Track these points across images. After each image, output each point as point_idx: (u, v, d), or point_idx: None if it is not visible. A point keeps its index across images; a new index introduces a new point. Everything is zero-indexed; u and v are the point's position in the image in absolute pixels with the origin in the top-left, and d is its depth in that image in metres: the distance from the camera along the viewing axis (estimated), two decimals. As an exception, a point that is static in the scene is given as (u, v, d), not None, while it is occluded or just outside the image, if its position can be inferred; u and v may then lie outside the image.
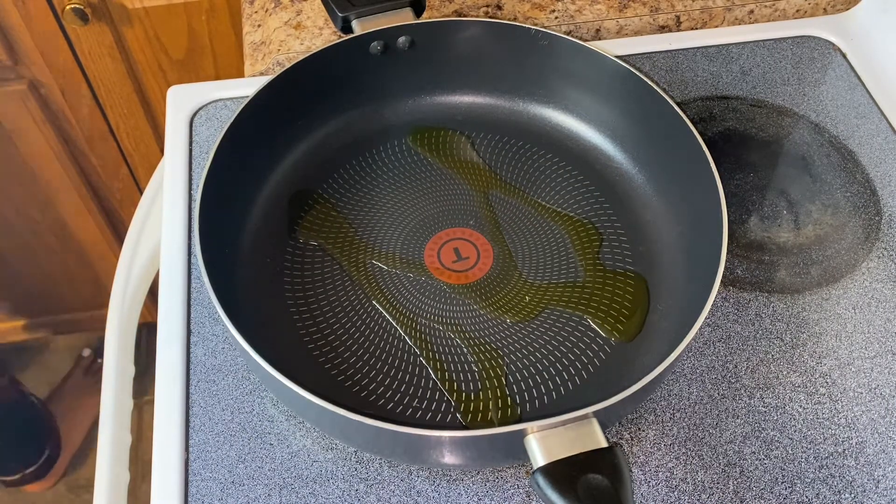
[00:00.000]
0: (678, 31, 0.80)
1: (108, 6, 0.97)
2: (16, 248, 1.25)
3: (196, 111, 0.71)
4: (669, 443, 0.54)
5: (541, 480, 0.43)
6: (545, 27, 0.65)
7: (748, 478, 0.53)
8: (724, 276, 0.60)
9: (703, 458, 0.53)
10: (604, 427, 0.45)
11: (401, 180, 0.66)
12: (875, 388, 0.57)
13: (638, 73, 0.62)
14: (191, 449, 0.53)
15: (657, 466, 0.53)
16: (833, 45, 0.78)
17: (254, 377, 0.56)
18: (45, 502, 1.47)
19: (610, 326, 0.58)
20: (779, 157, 0.70)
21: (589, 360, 0.56)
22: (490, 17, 0.77)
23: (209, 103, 0.72)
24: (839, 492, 0.52)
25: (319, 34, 0.76)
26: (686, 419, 0.55)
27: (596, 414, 0.45)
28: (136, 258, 0.71)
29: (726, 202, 0.54)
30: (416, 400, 0.54)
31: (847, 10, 0.81)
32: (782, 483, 0.53)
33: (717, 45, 0.77)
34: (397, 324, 0.58)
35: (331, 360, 0.56)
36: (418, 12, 0.66)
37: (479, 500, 0.52)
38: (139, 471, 0.63)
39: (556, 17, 0.77)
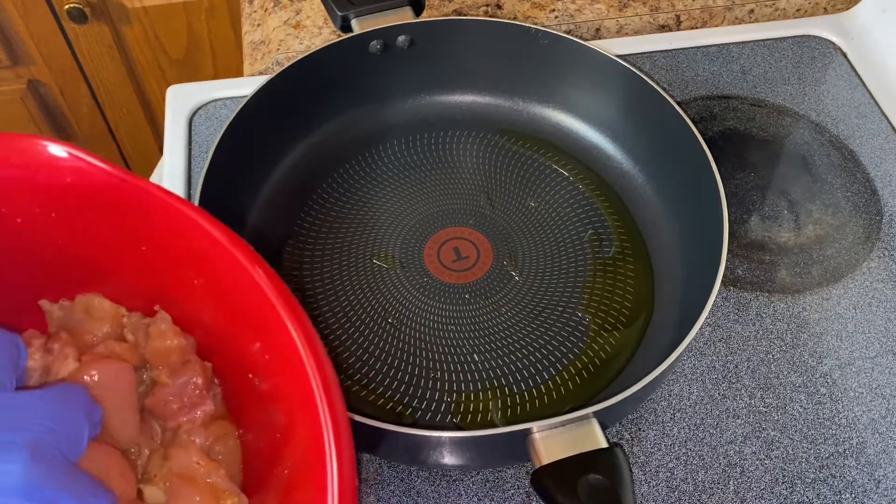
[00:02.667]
0: (678, 30, 0.80)
1: (108, 6, 0.97)
2: (15, 248, 1.25)
3: (195, 111, 0.71)
4: (670, 443, 0.54)
5: (541, 480, 0.43)
6: (545, 26, 0.65)
7: (749, 478, 0.53)
8: (724, 275, 0.60)
9: (703, 459, 0.53)
10: (604, 427, 0.45)
11: (400, 180, 0.66)
12: (876, 388, 0.57)
13: (638, 73, 0.62)
14: (190, 449, 0.53)
15: (657, 466, 0.53)
16: (833, 44, 0.78)
17: (253, 377, 0.56)
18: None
19: (610, 326, 0.58)
20: (779, 157, 0.70)
21: (589, 359, 0.56)
22: (490, 17, 0.77)
23: (208, 103, 0.71)
24: (840, 492, 0.52)
25: (319, 33, 0.76)
26: (686, 419, 0.55)
27: (596, 414, 0.45)
28: (135, 258, 0.71)
29: (727, 202, 0.54)
30: (416, 400, 0.54)
31: (847, 9, 0.81)
32: (783, 483, 0.52)
33: (718, 45, 0.77)
34: (397, 324, 0.58)
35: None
36: (418, 11, 0.66)
37: (479, 500, 0.52)
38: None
39: (556, 17, 0.77)
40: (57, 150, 0.39)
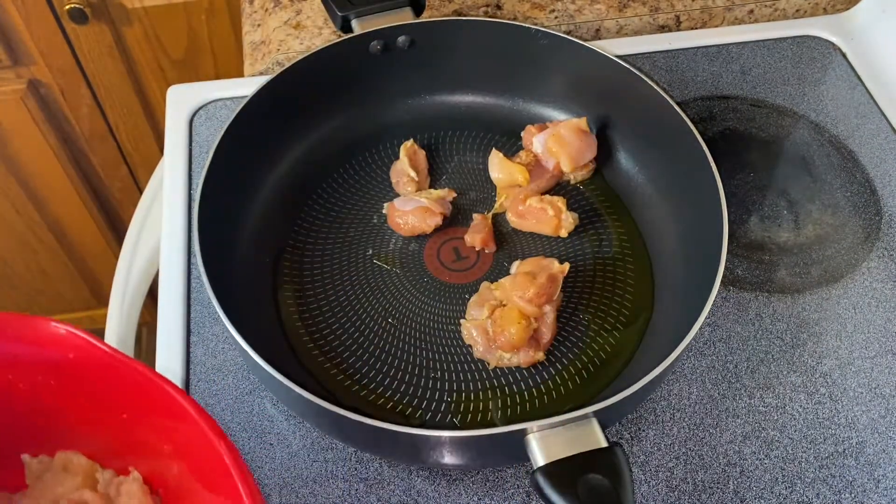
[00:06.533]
0: (678, 30, 0.80)
1: (108, 6, 0.97)
2: (15, 248, 1.25)
3: (196, 111, 0.71)
4: (669, 443, 0.54)
5: (541, 480, 0.43)
6: (545, 27, 0.65)
7: (748, 478, 0.53)
8: (724, 275, 0.60)
9: (703, 458, 0.53)
10: (604, 427, 0.45)
11: (401, 180, 0.66)
12: (875, 388, 0.57)
13: (638, 73, 0.62)
14: (190, 449, 0.53)
15: (657, 466, 0.53)
16: (833, 44, 0.78)
17: (253, 377, 0.56)
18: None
19: (610, 326, 0.58)
20: (779, 157, 0.70)
21: (589, 359, 0.56)
22: (490, 17, 0.77)
23: (209, 103, 0.72)
24: (839, 492, 0.52)
25: (319, 34, 0.76)
26: (686, 419, 0.55)
27: (596, 414, 0.45)
28: (135, 258, 0.71)
29: (726, 202, 0.54)
30: (417, 400, 0.54)
31: (847, 9, 0.81)
32: (782, 483, 0.53)
33: (717, 45, 0.77)
34: (397, 323, 0.58)
35: (331, 359, 0.56)
36: (418, 12, 0.66)
37: (479, 500, 0.52)
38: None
39: (556, 17, 0.77)
40: (62, 329, 0.45)
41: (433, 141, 0.68)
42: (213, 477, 0.43)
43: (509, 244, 0.62)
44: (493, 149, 0.64)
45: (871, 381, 0.57)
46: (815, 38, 0.78)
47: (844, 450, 0.54)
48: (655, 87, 0.61)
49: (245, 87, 0.71)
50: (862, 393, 0.56)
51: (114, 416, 0.47)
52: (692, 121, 0.59)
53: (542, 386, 0.55)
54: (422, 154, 0.65)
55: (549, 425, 0.44)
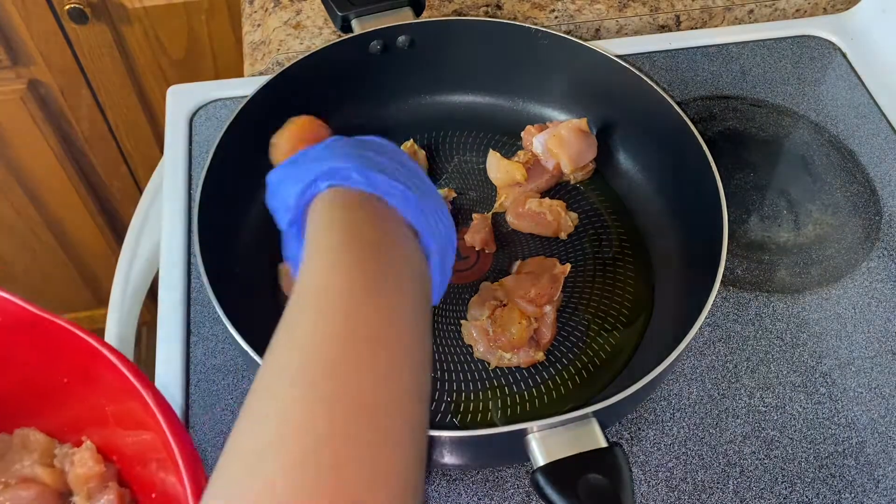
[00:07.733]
0: (678, 30, 0.80)
1: (108, 6, 0.97)
2: (15, 248, 1.25)
3: (195, 111, 0.71)
4: (669, 442, 0.54)
5: (541, 480, 0.43)
6: (545, 26, 0.65)
7: (748, 477, 0.53)
8: (724, 275, 0.59)
9: (703, 458, 0.53)
10: (604, 427, 0.45)
11: (400, 180, 0.66)
12: (875, 388, 0.57)
13: (638, 73, 0.62)
14: (190, 449, 0.53)
15: (657, 466, 0.53)
16: (833, 44, 0.78)
17: (253, 377, 0.56)
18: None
19: (610, 326, 0.58)
20: (779, 157, 0.70)
21: (589, 359, 0.56)
22: (490, 17, 0.77)
23: (209, 103, 0.72)
24: (839, 491, 0.52)
25: (319, 34, 0.76)
26: (686, 419, 0.55)
27: (596, 414, 0.45)
28: (135, 258, 0.71)
29: (726, 202, 0.54)
30: (416, 400, 0.54)
31: (847, 9, 0.81)
32: (782, 483, 0.53)
33: (717, 45, 0.77)
34: (397, 324, 0.57)
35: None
36: (418, 12, 0.66)
37: (479, 500, 0.52)
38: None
39: (556, 17, 0.77)
40: None
41: (433, 141, 0.68)
42: (155, 445, 0.44)
43: (509, 244, 0.62)
44: (491, 150, 0.64)
45: (871, 381, 0.57)
46: (815, 37, 0.78)
47: (844, 450, 0.54)
48: (655, 87, 0.61)
49: (245, 87, 0.71)
50: (862, 393, 0.56)
51: (55, 381, 0.47)
52: (692, 121, 0.59)
53: (542, 386, 0.55)
54: (422, 154, 0.65)
55: (549, 425, 0.44)
